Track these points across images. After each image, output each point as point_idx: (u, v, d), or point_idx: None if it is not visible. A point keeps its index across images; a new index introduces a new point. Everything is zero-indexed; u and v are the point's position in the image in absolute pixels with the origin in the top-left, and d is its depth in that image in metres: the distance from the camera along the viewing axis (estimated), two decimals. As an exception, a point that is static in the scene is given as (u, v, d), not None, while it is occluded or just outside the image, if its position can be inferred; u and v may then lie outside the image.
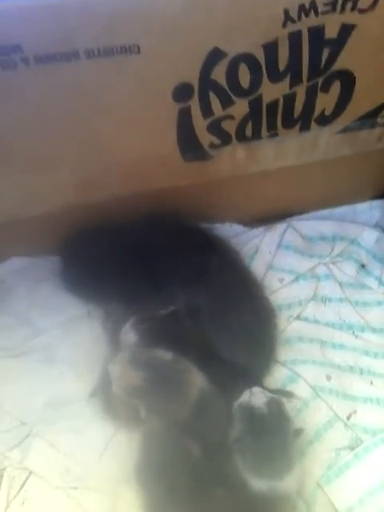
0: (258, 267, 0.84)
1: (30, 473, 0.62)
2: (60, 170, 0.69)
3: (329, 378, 0.74)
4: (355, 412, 0.71)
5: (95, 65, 0.56)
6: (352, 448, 0.68)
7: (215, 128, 0.68)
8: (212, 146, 0.71)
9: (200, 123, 0.67)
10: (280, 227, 0.88)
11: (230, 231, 0.90)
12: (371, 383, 0.74)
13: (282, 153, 0.76)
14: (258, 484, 0.60)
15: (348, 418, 0.71)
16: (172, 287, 0.76)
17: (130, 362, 0.65)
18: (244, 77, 0.62)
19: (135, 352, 0.67)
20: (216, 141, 0.71)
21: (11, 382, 0.69)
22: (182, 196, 0.76)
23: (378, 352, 0.77)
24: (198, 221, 0.84)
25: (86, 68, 0.56)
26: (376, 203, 0.94)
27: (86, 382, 0.69)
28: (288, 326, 0.79)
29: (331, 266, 0.86)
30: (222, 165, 0.75)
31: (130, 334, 0.70)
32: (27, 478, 0.61)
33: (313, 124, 0.72)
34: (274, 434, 0.61)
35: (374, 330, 0.80)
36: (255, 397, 0.64)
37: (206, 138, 0.70)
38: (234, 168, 0.76)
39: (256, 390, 0.65)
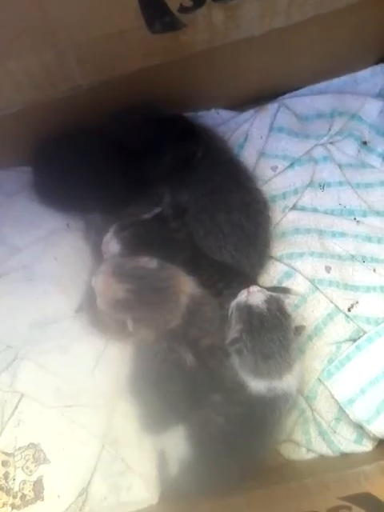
0: (248, 156, 0.72)
1: (22, 395, 0.57)
2: (8, 60, 0.55)
3: (328, 269, 0.65)
4: (357, 303, 0.64)
5: None
6: (353, 340, 0.62)
7: (183, -17, 0.54)
8: (182, 9, 0.56)
9: (163, -21, 0.53)
10: (271, 108, 0.74)
11: (216, 118, 0.76)
12: (374, 271, 0.66)
13: (268, 10, 0.59)
14: (257, 385, 0.54)
15: (349, 310, 0.64)
16: (154, 187, 0.67)
17: (112, 274, 0.57)
18: None
19: (118, 263, 0.58)
20: (186, 2, 0.55)
21: (-8, 305, 0.61)
22: (157, 81, 0.64)
23: (382, 237, 0.68)
24: (179, 110, 0.71)
25: None
26: (380, 68, 0.76)
27: (71, 299, 0.62)
28: (283, 218, 0.69)
29: (329, 146, 0.73)
30: (198, 34, 0.60)
31: (111, 243, 0.62)
32: (19, 401, 0.57)
33: (305, -35, 0.53)
34: (275, 331, 0.54)
35: (378, 213, 0.69)
36: (253, 296, 0.56)
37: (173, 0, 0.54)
38: (212, 36, 0.61)
39: (254, 288, 0.57)
